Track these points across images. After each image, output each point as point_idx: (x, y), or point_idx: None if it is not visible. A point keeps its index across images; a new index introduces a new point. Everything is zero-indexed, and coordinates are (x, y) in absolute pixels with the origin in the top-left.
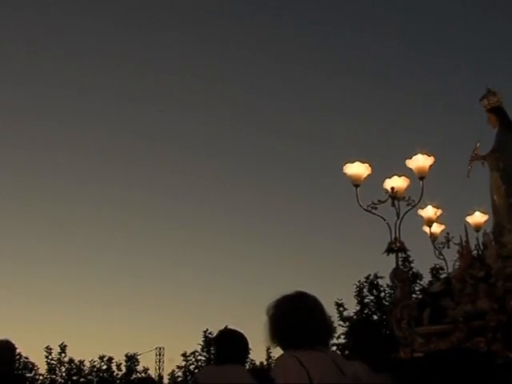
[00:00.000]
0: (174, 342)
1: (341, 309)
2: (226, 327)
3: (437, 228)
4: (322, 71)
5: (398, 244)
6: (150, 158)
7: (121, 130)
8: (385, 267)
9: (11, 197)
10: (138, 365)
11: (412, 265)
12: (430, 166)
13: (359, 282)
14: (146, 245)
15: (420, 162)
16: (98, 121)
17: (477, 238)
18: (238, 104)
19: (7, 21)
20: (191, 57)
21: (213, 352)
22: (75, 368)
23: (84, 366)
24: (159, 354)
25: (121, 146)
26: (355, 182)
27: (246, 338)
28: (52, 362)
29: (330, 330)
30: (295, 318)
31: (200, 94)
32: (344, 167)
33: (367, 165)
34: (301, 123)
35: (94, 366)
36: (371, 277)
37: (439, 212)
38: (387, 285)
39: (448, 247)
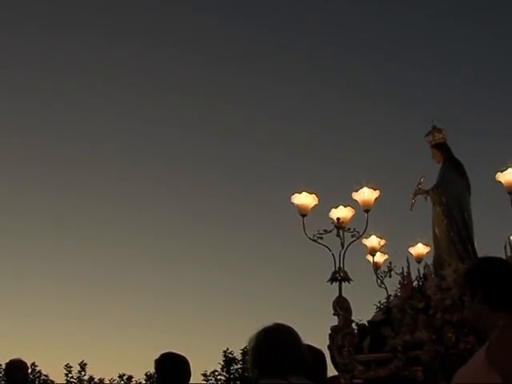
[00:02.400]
0: (194, 361)
1: None
2: (168, 352)
3: (380, 257)
4: (271, 99)
5: (341, 273)
6: (158, 176)
7: (115, 146)
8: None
9: (26, 215)
10: None
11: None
12: (376, 199)
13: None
14: (167, 266)
15: (366, 195)
16: (97, 138)
17: (418, 270)
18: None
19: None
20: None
21: (232, 371)
22: None
23: None
24: None
25: (120, 165)
26: (302, 212)
27: (188, 363)
28: (72, 380)
29: (303, 360)
30: (269, 348)
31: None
32: (292, 197)
33: (314, 195)
34: (248, 152)
35: None
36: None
37: (383, 242)
38: None
39: (390, 276)
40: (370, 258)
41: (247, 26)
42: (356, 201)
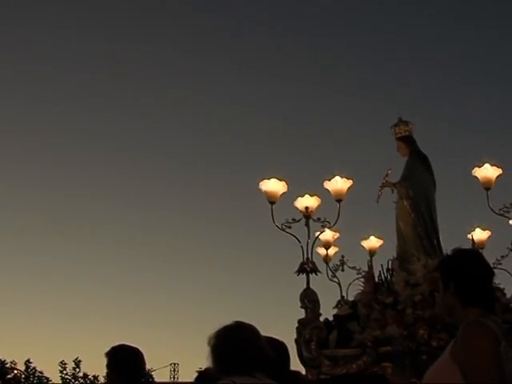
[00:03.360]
0: (189, 358)
1: None
2: (120, 344)
3: (331, 250)
4: (243, 88)
5: (310, 265)
6: (157, 175)
7: (109, 141)
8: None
9: (25, 212)
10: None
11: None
12: (348, 188)
13: None
14: (161, 263)
15: (338, 184)
16: (98, 136)
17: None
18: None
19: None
20: None
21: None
22: (89, 383)
23: (98, 381)
24: (174, 370)
25: (117, 163)
26: (271, 199)
27: (142, 354)
28: (66, 376)
29: (266, 357)
30: (233, 346)
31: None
32: (260, 183)
33: (284, 183)
34: (219, 139)
35: None
36: None
37: (337, 235)
38: None
39: (342, 270)
40: (320, 250)
41: (246, 25)
42: (327, 190)
